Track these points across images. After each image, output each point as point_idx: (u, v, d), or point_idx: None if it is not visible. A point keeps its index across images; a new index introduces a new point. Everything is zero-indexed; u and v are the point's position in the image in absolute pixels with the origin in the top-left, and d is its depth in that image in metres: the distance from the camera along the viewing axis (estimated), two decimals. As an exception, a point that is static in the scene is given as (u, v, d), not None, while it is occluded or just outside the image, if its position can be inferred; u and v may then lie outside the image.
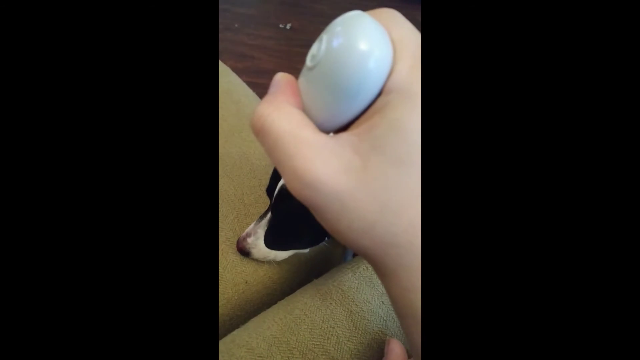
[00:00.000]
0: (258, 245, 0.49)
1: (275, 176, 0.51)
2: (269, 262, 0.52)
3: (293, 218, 0.46)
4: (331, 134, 0.18)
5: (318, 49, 0.17)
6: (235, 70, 0.83)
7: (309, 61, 0.17)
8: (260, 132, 0.17)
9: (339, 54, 0.16)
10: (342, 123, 0.18)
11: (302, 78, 0.18)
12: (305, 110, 0.18)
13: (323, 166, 0.16)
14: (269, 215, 0.49)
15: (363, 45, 0.16)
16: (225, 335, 0.46)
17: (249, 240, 0.50)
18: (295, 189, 0.17)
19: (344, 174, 0.16)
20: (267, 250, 0.49)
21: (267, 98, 0.18)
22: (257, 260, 0.52)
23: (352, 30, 0.16)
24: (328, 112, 0.17)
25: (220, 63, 0.83)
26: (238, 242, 0.51)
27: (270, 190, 0.50)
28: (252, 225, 0.51)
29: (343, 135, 0.17)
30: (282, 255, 0.51)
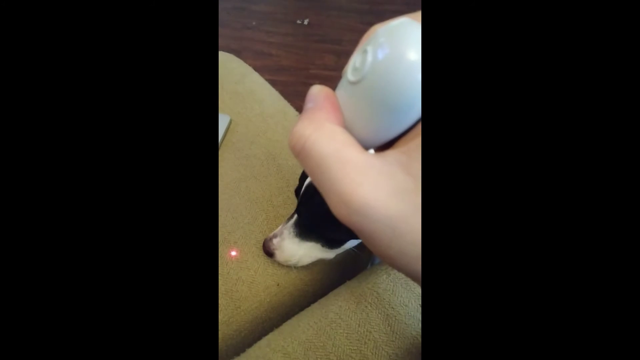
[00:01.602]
0: (282, 246, 0.49)
1: (303, 177, 0.50)
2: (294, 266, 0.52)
3: (317, 217, 0.46)
4: (371, 151, 0.17)
5: (362, 62, 0.16)
6: (254, 68, 0.82)
7: (350, 75, 0.16)
8: (300, 154, 0.16)
9: (386, 67, 0.15)
10: (387, 139, 0.17)
11: (341, 92, 0.17)
12: (346, 126, 0.17)
13: (372, 190, 0.15)
14: (295, 217, 0.48)
15: (412, 55, 0.14)
16: (259, 338, 0.46)
17: (274, 241, 0.49)
18: (342, 215, 0.16)
19: (395, 197, 0.15)
20: (290, 253, 0.49)
21: (305, 115, 0.17)
22: (279, 263, 0.51)
23: (398, 39, 0.15)
24: (374, 128, 0.16)
25: (241, 62, 0.83)
26: (265, 242, 0.51)
27: (298, 190, 0.50)
28: (280, 227, 0.50)
29: (390, 154, 0.16)
30: (305, 260, 0.50)
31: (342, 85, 0.17)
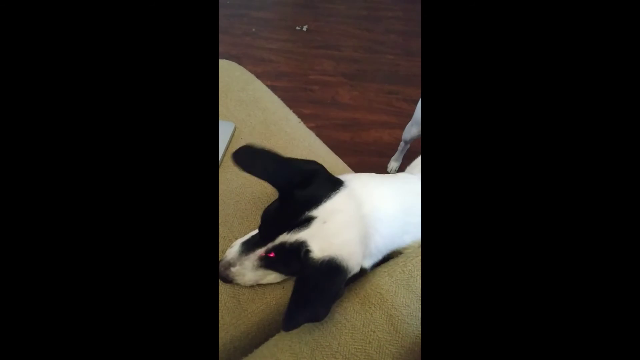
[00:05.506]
0: (245, 274, 0.48)
1: (266, 213, 0.46)
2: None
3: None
4: None
5: None
6: (254, 74, 0.84)
7: None
8: None
9: None
10: None
11: None
12: None
13: None
14: (258, 251, 0.45)
15: None
16: (267, 339, 0.47)
17: (233, 270, 0.47)
18: None
19: None
20: (252, 278, 0.48)
21: None
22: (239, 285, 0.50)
23: None
24: None
25: (244, 70, 0.85)
26: (220, 272, 0.48)
27: (265, 216, 0.46)
28: (234, 253, 0.47)
29: None
30: (268, 279, 0.49)
31: None
